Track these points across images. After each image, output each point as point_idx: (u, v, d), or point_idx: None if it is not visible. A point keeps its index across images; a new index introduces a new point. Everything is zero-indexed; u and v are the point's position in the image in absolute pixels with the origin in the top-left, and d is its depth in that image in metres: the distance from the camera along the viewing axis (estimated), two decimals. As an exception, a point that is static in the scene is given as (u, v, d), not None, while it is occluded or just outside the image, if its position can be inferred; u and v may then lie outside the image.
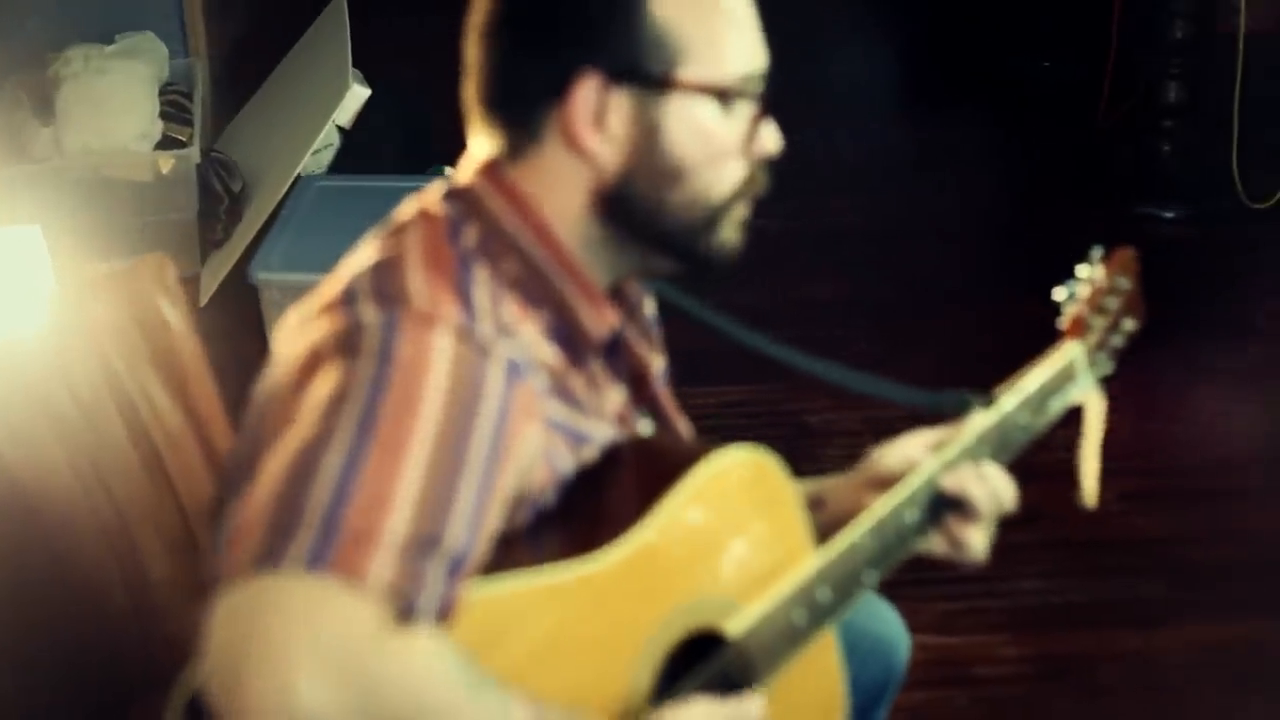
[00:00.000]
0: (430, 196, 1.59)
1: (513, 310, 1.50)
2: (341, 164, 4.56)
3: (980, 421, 1.84)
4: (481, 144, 1.58)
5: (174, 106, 4.73)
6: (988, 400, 1.91)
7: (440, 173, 4.50)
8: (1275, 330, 4.37)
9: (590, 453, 1.55)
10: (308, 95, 4.73)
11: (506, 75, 1.54)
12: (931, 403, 1.94)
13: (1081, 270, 2.11)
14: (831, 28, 6.18)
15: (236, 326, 4.09)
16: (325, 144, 4.51)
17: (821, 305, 4.49)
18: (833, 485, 1.83)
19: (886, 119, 5.69)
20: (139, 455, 1.99)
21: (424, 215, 1.56)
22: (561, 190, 1.55)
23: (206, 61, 5.01)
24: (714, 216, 1.57)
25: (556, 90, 1.52)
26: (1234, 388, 4.08)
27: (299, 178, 4.43)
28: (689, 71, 1.52)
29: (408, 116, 4.77)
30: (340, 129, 4.55)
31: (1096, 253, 2.14)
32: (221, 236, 4.54)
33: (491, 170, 1.57)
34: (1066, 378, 1.99)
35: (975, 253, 4.80)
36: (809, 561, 1.66)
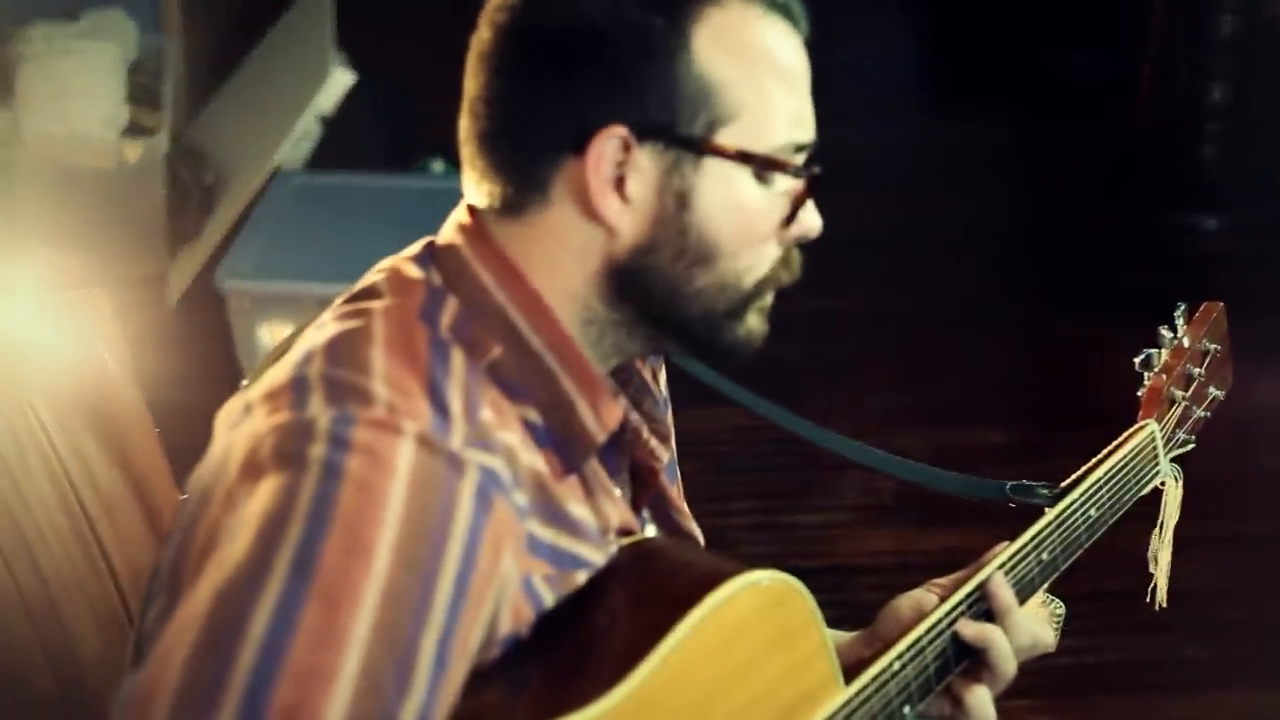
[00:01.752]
0: (406, 257, 1.46)
1: (494, 407, 1.37)
2: (322, 157, 4.47)
3: (1039, 525, 1.74)
4: (473, 192, 1.44)
5: (143, 90, 4.63)
6: (1059, 493, 1.78)
7: (432, 166, 4.50)
8: None
9: (581, 579, 1.42)
10: (285, 80, 4.64)
11: (512, 117, 1.41)
12: (990, 494, 1.82)
13: (1164, 333, 1.94)
14: (845, 15, 6.11)
15: (205, 333, 4.04)
16: (304, 134, 4.44)
17: (838, 318, 4.37)
18: (846, 642, 1.71)
19: (905, 117, 5.62)
20: (69, 522, 1.90)
21: (396, 280, 1.43)
22: (566, 259, 1.42)
23: (180, 41, 4.93)
24: (742, 304, 1.45)
25: (572, 142, 1.39)
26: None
27: (275, 172, 4.36)
28: (731, 136, 1.40)
29: (396, 104, 4.72)
30: (321, 118, 4.47)
31: (1180, 311, 1.96)
32: (192, 233, 4.48)
33: (480, 229, 1.44)
34: (1144, 463, 1.87)
35: (1001, 263, 4.74)
36: (835, 700, 1.54)
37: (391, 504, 1.23)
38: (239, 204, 4.33)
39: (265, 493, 1.24)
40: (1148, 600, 1.92)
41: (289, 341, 1.43)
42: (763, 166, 1.41)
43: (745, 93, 1.40)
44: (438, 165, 4.48)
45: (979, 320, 4.40)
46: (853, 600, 3.34)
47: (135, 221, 4.42)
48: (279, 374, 1.35)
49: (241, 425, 1.33)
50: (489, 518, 1.30)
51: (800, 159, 1.44)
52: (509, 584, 1.33)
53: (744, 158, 1.40)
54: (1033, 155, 5.31)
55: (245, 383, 1.42)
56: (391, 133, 4.66)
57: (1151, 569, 1.91)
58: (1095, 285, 4.56)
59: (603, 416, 1.43)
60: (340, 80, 4.47)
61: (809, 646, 1.50)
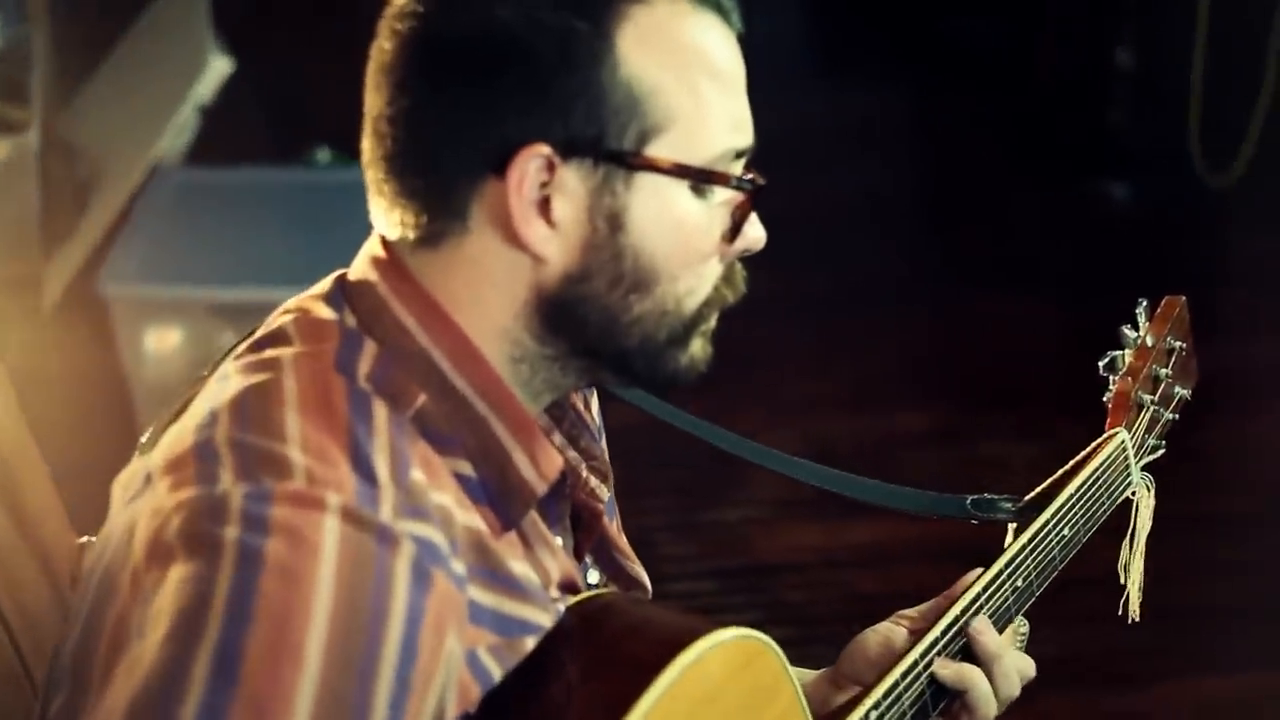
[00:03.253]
0: (315, 295, 1.37)
1: (424, 465, 1.28)
2: (202, 150, 4.48)
3: (1011, 551, 1.66)
4: (383, 222, 1.35)
5: (9, 83, 4.50)
6: (1023, 507, 1.71)
7: (318, 156, 4.47)
8: (1243, 325, 4.22)
9: (529, 645, 1.34)
10: (160, 69, 4.59)
11: (422, 137, 1.32)
12: (950, 513, 1.74)
13: (1126, 332, 1.85)
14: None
15: (86, 340, 3.91)
16: (183, 126, 4.48)
17: (748, 302, 4.22)
18: (812, 683, 1.65)
19: (798, 88, 5.53)
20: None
21: (306, 324, 1.33)
22: (490, 292, 1.33)
23: (46, 29, 4.72)
24: (684, 331, 1.37)
25: (491, 163, 1.30)
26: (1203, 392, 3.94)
27: (154, 168, 4.33)
28: (664, 147, 1.31)
29: (277, 91, 4.68)
30: (199, 108, 4.50)
31: (1142, 308, 1.87)
32: (66, 232, 4.37)
33: (396, 263, 1.34)
34: (1116, 475, 1.80)
35: (911, 238, 4.73)
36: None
37: (319, 592, 1.15)
38: (117, 201, 4.26)
39: (176, 583, 1.17)
40: (1120, 613, 1.87)
41: (188, 395, 1.34)
42: (702, 180, 1.33)
43: (678, 99, 1.31)
44: (324, 155, 4.47)
45: (892, 298, 4.38)
46: (776, 601, 3.32)
47: (5, 224, 4.25)
48: (181, 438, 1.25)
49: (143, 498, 1.25)
50: (428, 596, 1.21)
51: (740, 167, 1.36)
52: (454, 665, 1.26)
53: (681, 171, 1.32)
54: (934, 125, 5.30)
55: (142, 440, 1.33)
56: (273, 122, 4.63)
57: (1123, 580, 1.86)
58: (1009, 257, 4.60)
59: (541, 466, 1.35)
60: (218, 68, 4.46)
61: (782, 704, 1.44)
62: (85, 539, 1.51)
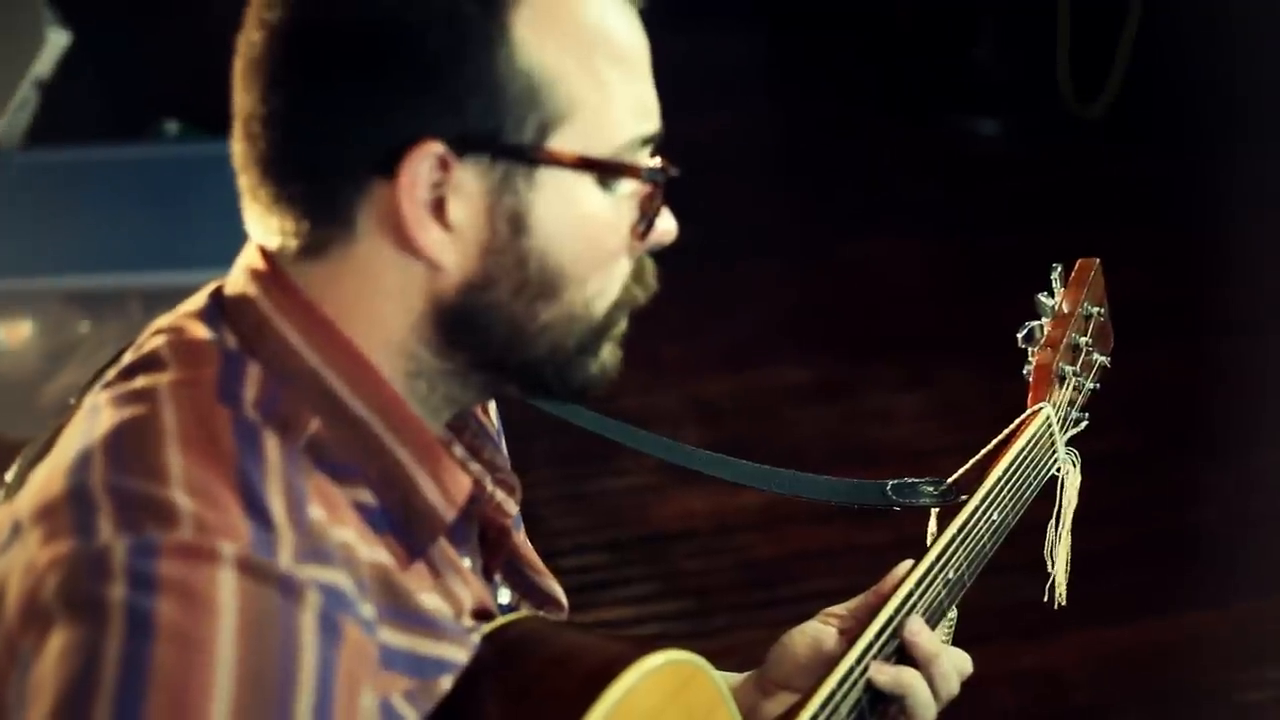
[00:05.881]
0: (189, 312, 1.28)
1: (322, 499, 1.19)
2: (42, 129, 4.25)
3: (940, 544, 1.61)
4: (260, 230, 1.26)
5: None
6: (946, 491, 1.67)
7: (166, 129, 4.32)
8: (1116, 257, 4.18)
9: (445, 685, 1.26)
10: None
11: (299, 138, 1.22)
12: (870, 501, 1.68)
13: (1042, 300, 1.78)
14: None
15: None
16: (21, 104, 4.21)
17: None
18: (738, 689, 1.59)
19: (651, 33, 5.55)
20: None
21: (181, 346, 1.24)
22: (382, 304, 1.25)
23: None
24: (594, 337, 1.30)
25: (378, 163, 1.21)
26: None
27: None
28: (567, 139, 1.24)
29: (117, 63, 4.55)
30: (38, 84, 4.22)
31: (1056, 273, 1.80)
32: None
33: (277, 275, 1.25)
34: (1042, 453, 1.74)
35: (774, 185, 4.69)
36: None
37: (220, 657, 1.07)
38: (-45, 188, 4.15)
39: (58, 652, 1.08)
40: (1045, 600, 1.80)
41: (55, 428, 1.25)
42: (609, 172, 1.25)
43: (579, 85, 1.24)
44: (172, 127, 4.32)
45: (761, 250, 4.35)
46: (674, 571, 3.26)
47: None
48: (51, 481, 1.16)
49: (12, 550, 1.16)
50: (339, 650, 1.13)
51: (647, 155, 1.28)
52: (370, 716, 1.18)
53: (586, 164, 1.24)
54: (787, 66, 5.26)
55: (7, 480, 1.26)
56: (117, 95, 4.51)
57: (1049, 567, 1.79)
58: (875, 200, 4.61)
59: (449, 490, 1.27)
60: (56, 42, 4.20)
61: None
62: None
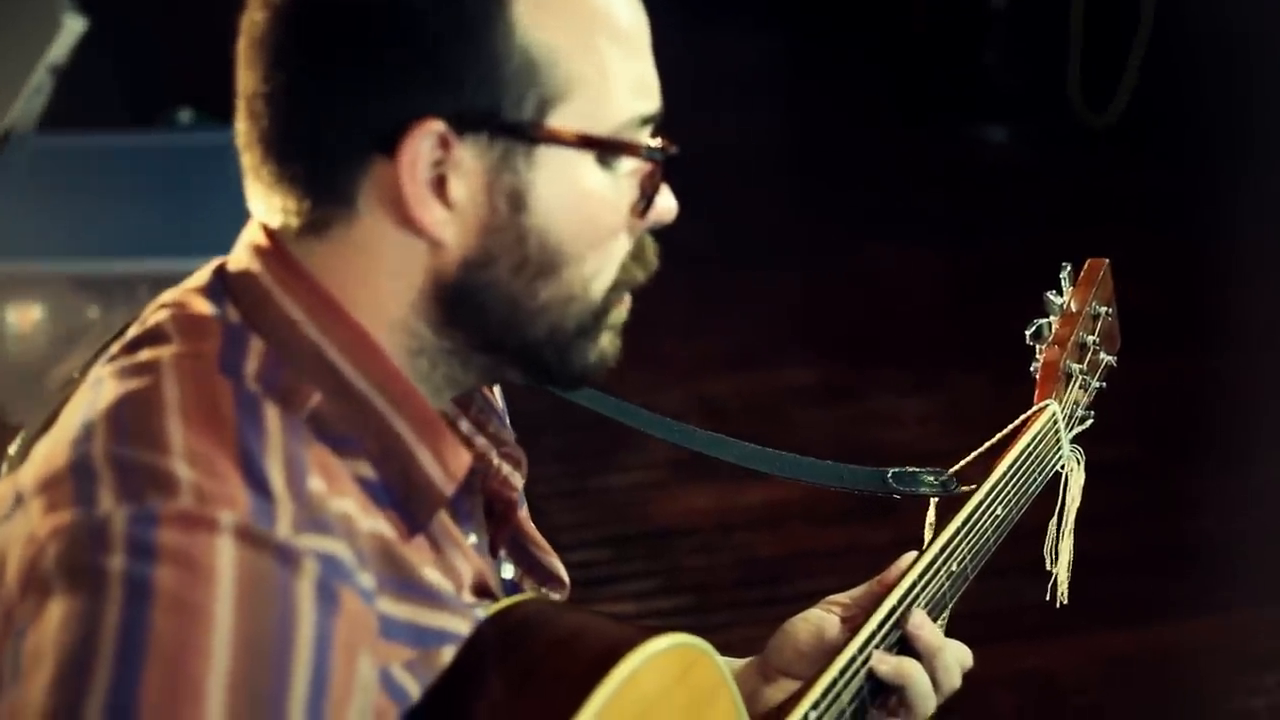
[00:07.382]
0: (192, 288, 1.28)
1: (322, 471, 1.20)
2: (56, 114, 4.21)
3: (944, 536, 1.62)
4: (263, 208, 1.27)
5: None
6: (947, 480, 1.69)
7: (179, 117, 4.35)
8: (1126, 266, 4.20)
9: (446, 656, 1.27)
10: (9, 31, 4.36)
11: (302, 116, 1.23)
12: (869, 487, 1.68)
13: (1051, 299, 1.79)
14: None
15: None
16: (36, 90, 4.17)
17: None
18: (740, 674, 1.59)
19: (668, 34, 5.53)
20: None
21: (184, 320, 1.25)
22: (384, 281, 1.26)
23: None
24: (593, 319, 1.30)
25: (379, 141, 1.22)
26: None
27: (8, 135, 4.08)
28: (566, 117, 1.24)
29: (133, 51, 4.56)
30: (53, 70, 4.18)
31: (1065, 272, 1.81)
32: None
33: (279, 252, 1.26)
34: (1047, 449, 1.75)
35: (785, 189, 4.70)
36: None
37: (217, 624, 1.08)
38: (-32, 173, 4.14)
39: (58, 620, 1.09)
40: (1047, 599, 1.82)
41: (59, 402, 1.26)
42: (608, 150, 1.25)
43: (578, 63, 1.24)
44: (186, 115, 4.31)
45: (769, 251, 4.37)
46: (675, 567, 3.27)
47: None
48: (54, 453, 1.18)
49: (14, 521, 1.17)
50: (336, 618, 1.14)
51: (647, 134, 1.28)
52: (368, 689, 1.19)
53: (585, 142, 1.24)
54: (807, 72, 5.28)
55: (10, 453, 1.27)
56: (132, 82, 4.52)
57: (1050, 566, 1.81)
58: (884, 205, 4.61)
59: (449, 464, 1.28)
60: (72, 28, 4.16)
61: (721, 710, 1.39)
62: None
